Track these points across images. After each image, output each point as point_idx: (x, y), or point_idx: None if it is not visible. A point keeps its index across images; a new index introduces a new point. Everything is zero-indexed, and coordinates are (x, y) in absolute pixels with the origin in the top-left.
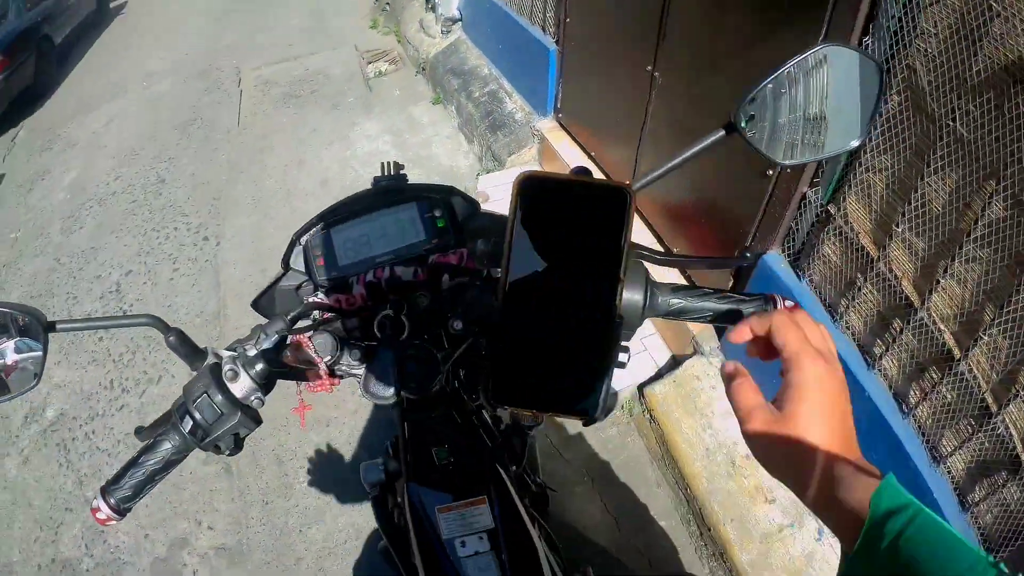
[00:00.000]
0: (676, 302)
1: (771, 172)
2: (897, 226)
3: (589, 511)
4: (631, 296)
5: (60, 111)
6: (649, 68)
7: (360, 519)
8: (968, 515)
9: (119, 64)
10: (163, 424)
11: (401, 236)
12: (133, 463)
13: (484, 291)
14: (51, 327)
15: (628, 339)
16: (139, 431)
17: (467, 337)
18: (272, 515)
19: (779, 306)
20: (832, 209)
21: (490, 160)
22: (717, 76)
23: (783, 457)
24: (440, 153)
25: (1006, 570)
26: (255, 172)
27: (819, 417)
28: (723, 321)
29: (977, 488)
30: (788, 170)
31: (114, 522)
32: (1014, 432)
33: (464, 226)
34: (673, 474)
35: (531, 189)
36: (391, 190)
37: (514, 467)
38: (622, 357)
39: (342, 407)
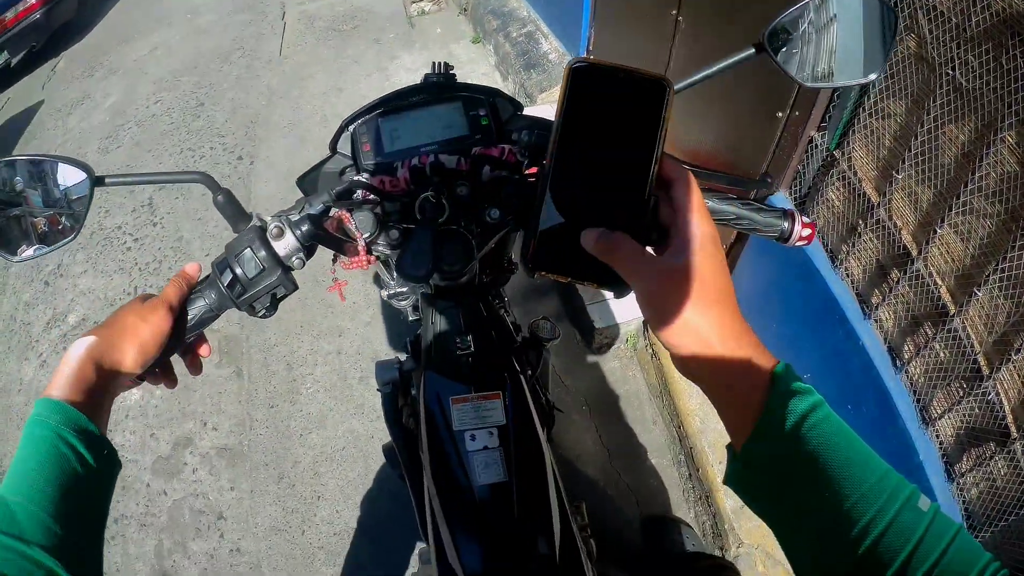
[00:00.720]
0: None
1: (780, 115)
2: (897, 173)
3: (583, 441)
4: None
5: (103, 42)
6: (674, 12)
7: (359, 427)
8: (953, 486)
9: None
10: (199, 284)
11: (446, 129)
12: None
13: (522, 185)
14: (99, 181)
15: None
16: None
17: (502, 227)
18: (276, 419)
19: (797, 222)
20: (837, 154)
21: (523, 96)
22: (736, 23)
23: (680, 313)
24: None
25: (922, 505)
26: (294, 98)
27: (719, 273)
28: (741, 226)
29: (964, 458)
30: (797, 113)
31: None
32: (1004, 401)
33: (506, 126)
34: (669, 411)
35: (581, 75)
36: (439, 86)
37: (530, 372)
38: (655, 236)
39: (356, 318)
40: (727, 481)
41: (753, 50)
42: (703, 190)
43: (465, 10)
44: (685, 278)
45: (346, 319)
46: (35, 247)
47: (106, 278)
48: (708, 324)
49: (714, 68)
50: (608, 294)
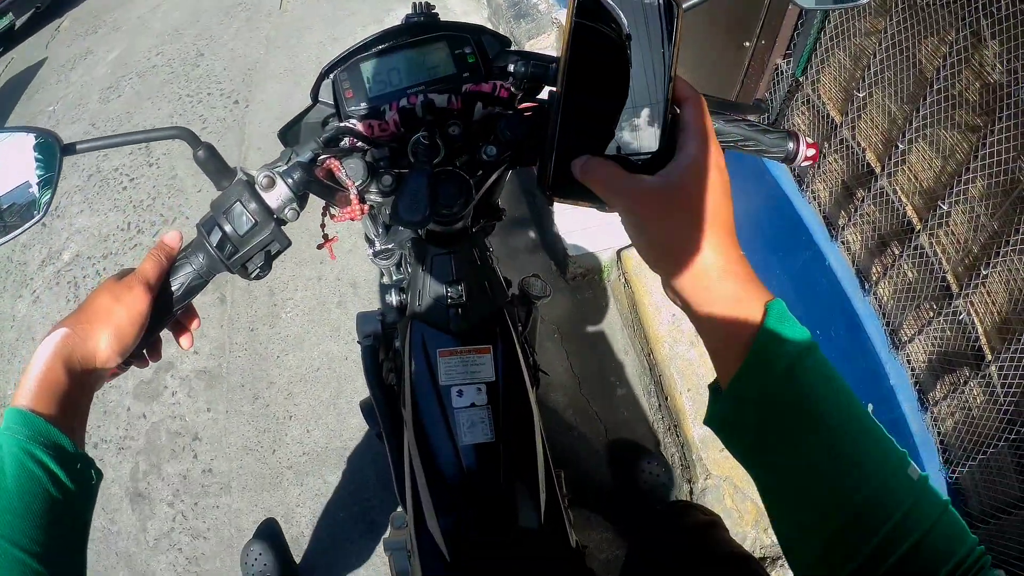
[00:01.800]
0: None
1: (748, 44)
2: (859, 92)
3: (554, 368)
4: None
5: (106, 1)
6: None
7: (335, 348)
8: (927, 416)
9: None
10: (184, 251)
11: (432, 70)
12: None
13: (517, 119)
14: (69, 149)
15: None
16: None
17: (499, 164)
18: (255, 342)
19: (801, 142)
20: (803, 79)
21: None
22: None
23: (667, 237)
24: None
25: (911, 473)
26: (291, 47)
27: (716, 197)
28: (747, 148)
29: (938, 385)
30: (763, 42)
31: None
32: (976, 321)
33: (494, 62)
34: (639, 340)
35: None
36: (421, 26)
37: (520, 327)
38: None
39: (338, 246)
40: (708, 421)
41: None
42: (710, 112)
43: None
44: (674, 199)
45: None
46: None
47: (101, 216)
48: (696, 250)
49: None
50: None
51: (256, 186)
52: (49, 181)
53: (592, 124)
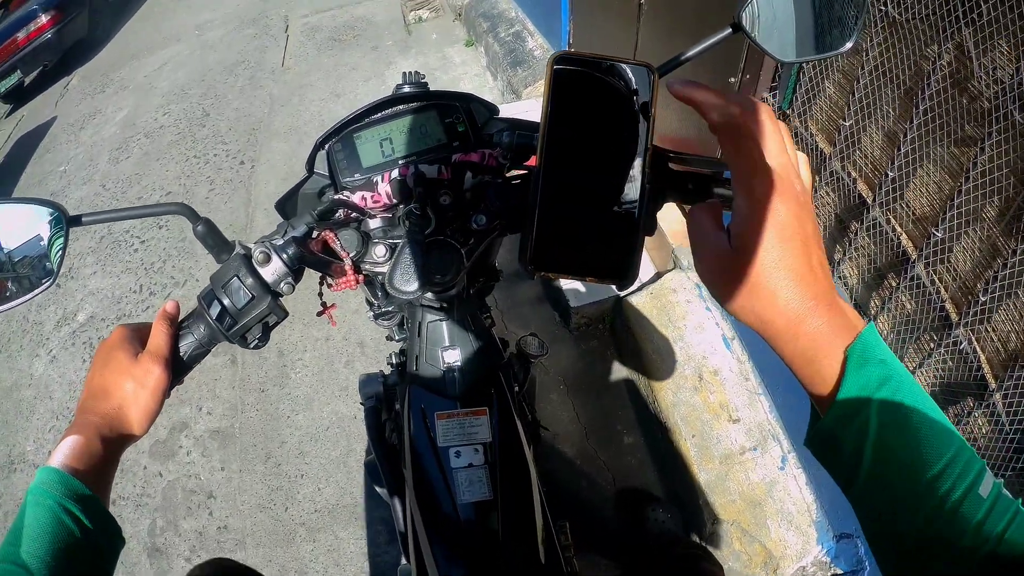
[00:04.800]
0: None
1: (733, 80)
2: (845, 120)
3: (560, 419)
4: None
5: (114, 59)
6: None
7: (343, 408)
8: None
9: (173, 15)
10: (185, 320)
11: (423, 139)
12: None
13: (506, 188)
14: (75, 221)
15: (655, 212)
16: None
17: (490, 232)
18: (266, 402)
19: None
20: (790, 112)
21: (509, 93)
22: (688, 2)
23: (742, 297)
24: (467, 88)
25: (986, 484)
26: (294, 104)
27: (776, 247)
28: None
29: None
30: (748, 76)
31: None
32: (978, 349)
33: (483, 130)
34: (644, 387)
35: (564, 68)
36: (412, 96)
37: (516, 388)
38: (651, 224)
39: (344, 306)
40: (808, 443)
41: (730, 30)
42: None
43: (460, 15)
44: (739, 268)
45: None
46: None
47: (114, 278)
48: (772, 305)
49: (695, 50)
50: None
51: (253, 261)
52: (59, 251)
53: (572, 195)
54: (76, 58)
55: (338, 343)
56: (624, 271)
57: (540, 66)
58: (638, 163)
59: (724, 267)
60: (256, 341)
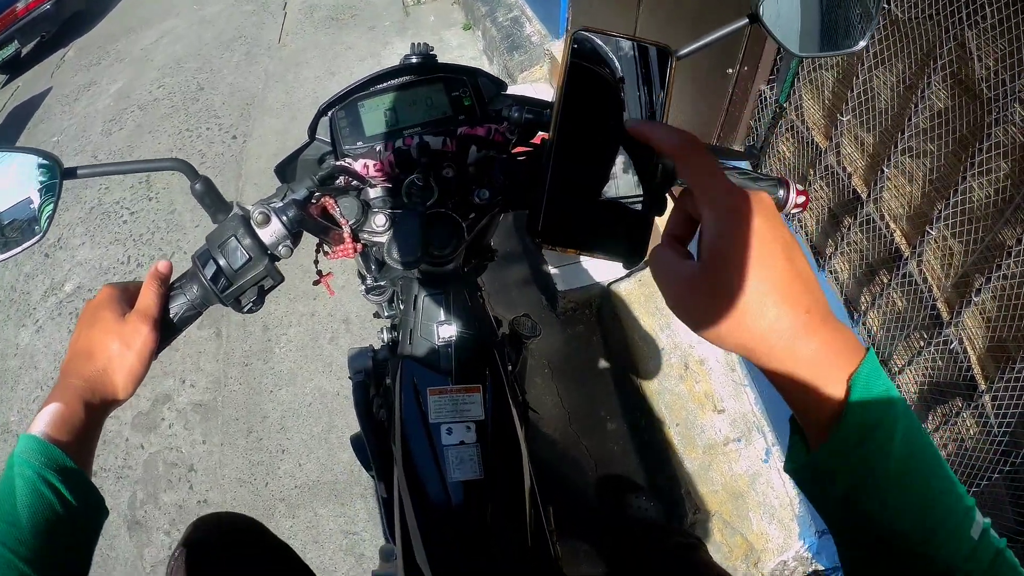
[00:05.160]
0: None
1: (731, 71)
2: (842, 116)
3: (544, 403)
4: (663, 162)
5: (111, 31)
6: None
7: (327, 384)
8: None
9: None
10: (178, 280)
11: (428, 111)
12: None
13: (511, 164)
14: (69, 173)
15: (666, 191)
16: None
17: (492, 208)
18: (249, 376)
19: (792, 190)
20: (786, 105)
21: (505, 77)
22: None
23: (722, 320)
24: None
25: (976, 527)
26: (289, 81)
27: (756, 256)
28: None
29: (930, 417)
30: (746, 68)
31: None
32: (969, 349)
33: (489, 105)
34: (628, 373)
35: (583, 43)
36: (419, 67)
37: (510, 367)
38: (662, 204)
39: (331, 282)
40: (788, 471)
41: (747, 20)
42: None
43: None
44: (705, 286)
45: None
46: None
47: (102, 249)
48: (758, 324)
49: (711, 37)
50: (616, 264)
51: (251, 222)
52: (50, 202)
53: (585, 170)
54: (74, 29)
55: (323, 319)
56: (632, 250)
57: (537, 52)
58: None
59: (697, 290)
60: (251, 304)
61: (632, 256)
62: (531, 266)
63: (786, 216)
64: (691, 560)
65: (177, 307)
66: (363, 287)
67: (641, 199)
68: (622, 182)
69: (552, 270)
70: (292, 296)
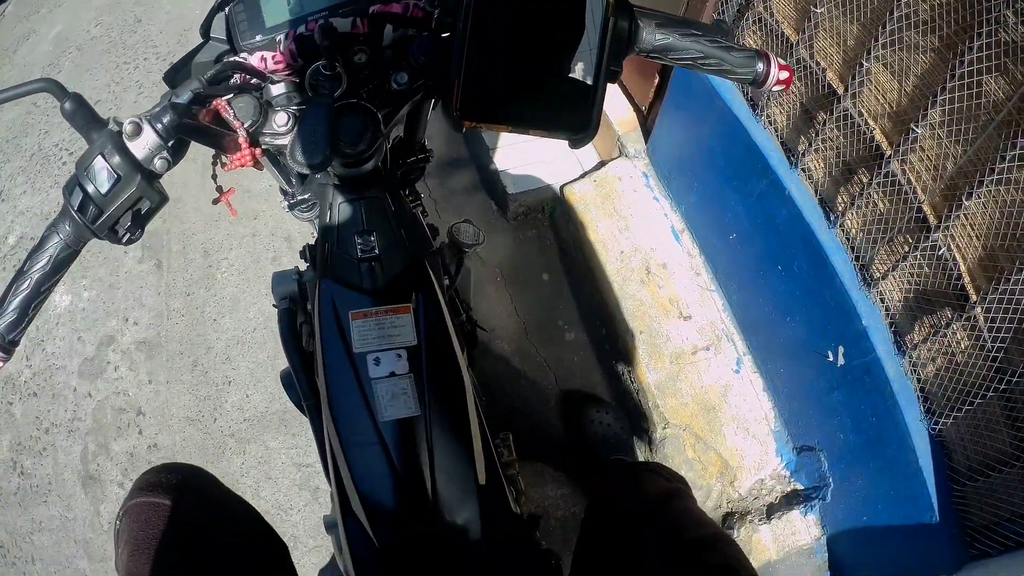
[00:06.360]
0: (662, 38)
1: None
2: (816, 7)
3: (498, 312)
4: (618, 21)
5: None
6: None
7: (270, 308)
8: (905, 360)
9: None
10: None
11: None
12: (17, 276)
13: (432, 40)
14: None
15: (622, 55)
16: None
17: (412, 94)
18: (191, 306)
19: (773, 64)
20: None
21: None
22: None
23: None
24: None
25: None
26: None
27: None
28: (708, 67)
29: (916, 327)
30: None
31: (1, 364)
32: (958, 258)
33: None
34: (586, 280)
35: None
36: None
37: (446, 281)
38: (616, 69)
39: (271, 199)
40: None
41: None
42: (659, 25)
43: None
44: None
45: (261, 202)
46: None
47: (43, 194)
48: None
49: None
50: (570, 164)
51: (122, 135)
52: None
53: (514, 27)
54: None
55: (265, 238)
56: (580, 123)
57: None
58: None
59: None
60: (127, 234)
61: (579, 130)
62: (478, 169)
63: (765, 94)
64: (673, 511)
65: (52, 248)
66: (285, 204)
67: (589, 64)
68: (563, 45)
69: (501, 172)
70: (232, 218)
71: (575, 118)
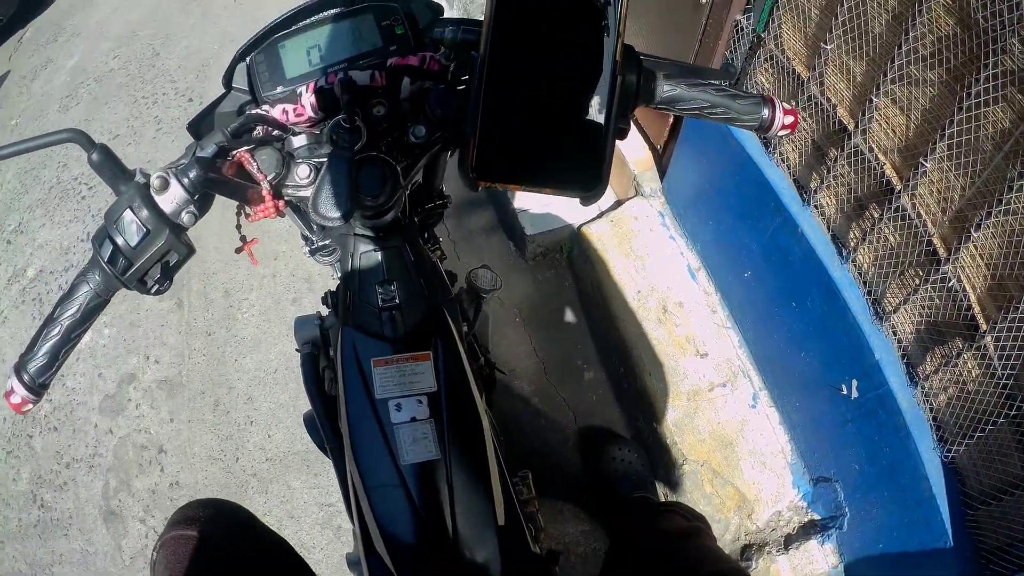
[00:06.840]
0: (669, 89)
1: (703, 1)
2: (826, 44)
3: (517, 353)
4: (626, 77)
5: (68, 6)
6: None
7: (291, 348)
8: (917, 391)
9: None
10: (84, 267)
11: (355, 44)
12: (47, 322)
13: (449, 93)
14: None
15: (628, 112)
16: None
17: (430, 146)
18: (213, 346)
19: (778, 109)
20: (764, 35)
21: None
22: None
23: None
24: None
25: None
26: (244, 38)
27: None
28: (714, 116)
29: (928, 358)
30: None
31: (31, 405)
32: (968, 288)
33: (425, 34)
34: (604, 319)
35: None
36: None
37: (465, 327)
38: (624, 127)
39: (291, 241)
40: None
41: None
42: (667, 76)
43: None
44: None
45: (281, 243)
46: None
47: (62, 228)
48: None
49: None
50: (573, 200)
51: (149, 189)
52: None
53: (527, 90)
54: (30, 11)
55: (285, 279)
56: (590, 182)
57: None
58: (607, 54)
59: None
60: (156, 285)
61: (588, 189)
62: (496, 211)
63: (771, 139)
64: (692, 548)
65: (82, 297)
66: (306, 249)
67: (598, 122)
68: (573, 103)
69: (519, 213)
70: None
71: (585, 176)
